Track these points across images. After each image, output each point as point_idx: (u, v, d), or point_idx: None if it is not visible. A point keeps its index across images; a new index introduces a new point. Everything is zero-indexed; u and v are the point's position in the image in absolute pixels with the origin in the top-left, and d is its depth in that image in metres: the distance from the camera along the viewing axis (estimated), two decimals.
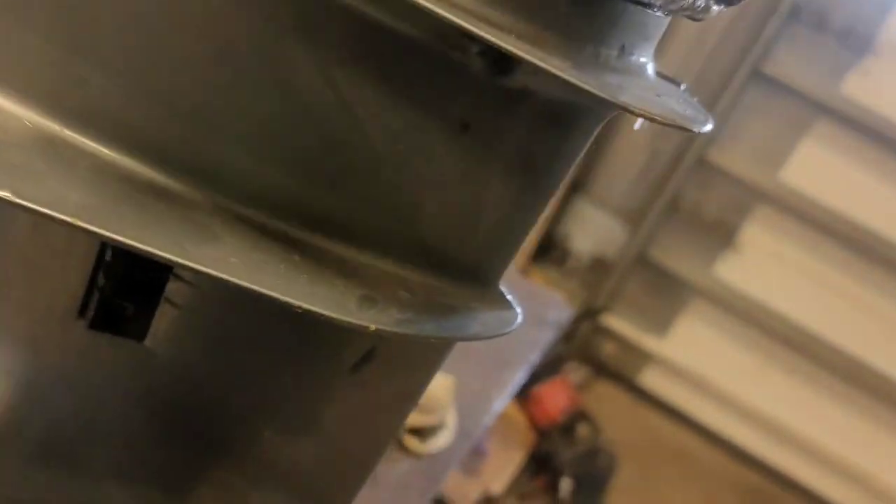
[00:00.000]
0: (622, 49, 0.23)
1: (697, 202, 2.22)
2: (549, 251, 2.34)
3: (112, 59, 0.24)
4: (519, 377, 1.01)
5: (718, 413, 2.30)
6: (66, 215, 0.22)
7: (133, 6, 0.23)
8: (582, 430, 2.06)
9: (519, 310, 0.28)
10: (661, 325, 2.29)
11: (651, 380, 2.35)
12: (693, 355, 2.27)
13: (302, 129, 0.25)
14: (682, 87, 0.27)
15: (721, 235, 2.21)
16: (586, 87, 0.20)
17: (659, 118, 0.21)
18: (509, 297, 0.29)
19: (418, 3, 0.20)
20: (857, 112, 1.97)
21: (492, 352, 1.01)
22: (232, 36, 0.23)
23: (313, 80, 0.24)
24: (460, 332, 0.27)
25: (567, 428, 2.04)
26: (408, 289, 0.27)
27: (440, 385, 0.90)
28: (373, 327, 0.24)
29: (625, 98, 0.21)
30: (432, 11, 0.20)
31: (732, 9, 0.23)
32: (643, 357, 2.33)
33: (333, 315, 0.24)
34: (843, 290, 2.11)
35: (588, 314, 2.32)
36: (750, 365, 2.27)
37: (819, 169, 2.08)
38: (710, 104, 2.13)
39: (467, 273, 0.28)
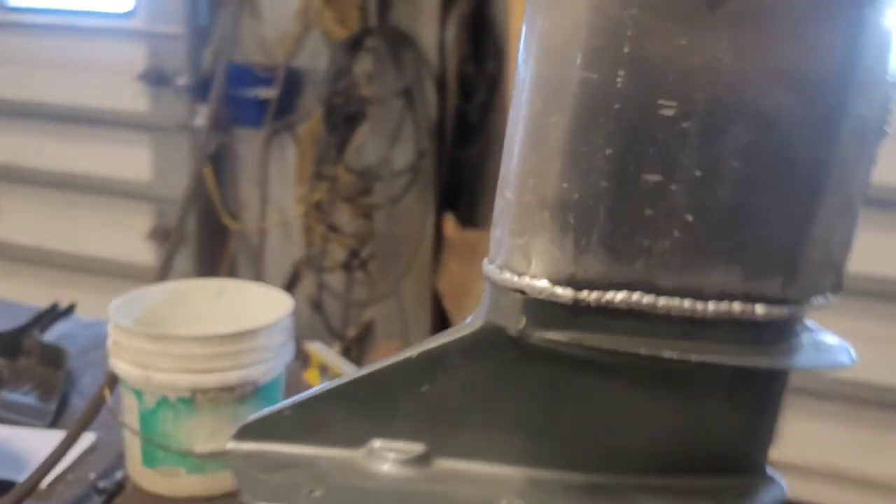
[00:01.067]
0: (797, 331, 0.45)
1: None
2: None
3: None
4: None
5: (855, 495, 2.37)
6: None
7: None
8: None
9: (784, 483, 0.49)
10: None
11: None
12: (804, 450, 2.38)
13: (636, 432, 0.46)
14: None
15: None
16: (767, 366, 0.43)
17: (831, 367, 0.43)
18: (774, 475, 0.49)
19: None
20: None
21: None
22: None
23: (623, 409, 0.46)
24: None
25: None
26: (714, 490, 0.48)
27: None
28: None
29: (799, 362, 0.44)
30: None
31: None
32: None
33: None
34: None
35: None
36: (861, 439, 2.37)
37: None
38: None
39: (749, 469, 0.49)
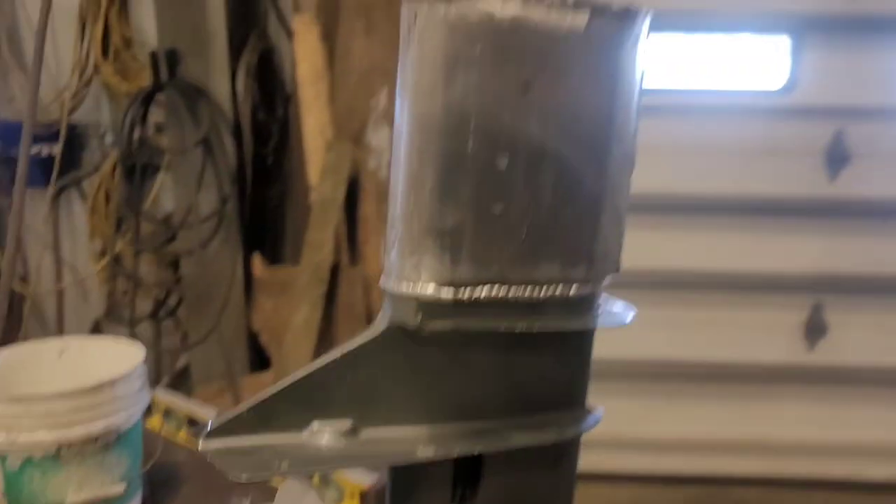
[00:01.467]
0: (597, 303, 0.66)
1: None
2: None
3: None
4: None
5: (634, 456, 2.76)
6: (424, 455, 0.61)
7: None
8: None
9: (600, 411, 0.70)
10: None
11: None
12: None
13: (502, 386, 0.65)
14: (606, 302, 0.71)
15: None
16: (582, 327, 0.63)
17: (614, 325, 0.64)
18: (591, 408, 0.70)
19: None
20: None
21: None
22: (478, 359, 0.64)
23: (492, 371, 0.65)
24: (580, 429, 0.68)
25: None
26: (556, 421, 0.67)
27: None
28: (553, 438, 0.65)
29: (600, 322, 0.64)
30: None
31: None
32: None
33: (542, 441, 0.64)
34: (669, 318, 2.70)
35: None
36: (635, 407, 2.77)
37: None
38: None
39: (576, 404, 0.69)
